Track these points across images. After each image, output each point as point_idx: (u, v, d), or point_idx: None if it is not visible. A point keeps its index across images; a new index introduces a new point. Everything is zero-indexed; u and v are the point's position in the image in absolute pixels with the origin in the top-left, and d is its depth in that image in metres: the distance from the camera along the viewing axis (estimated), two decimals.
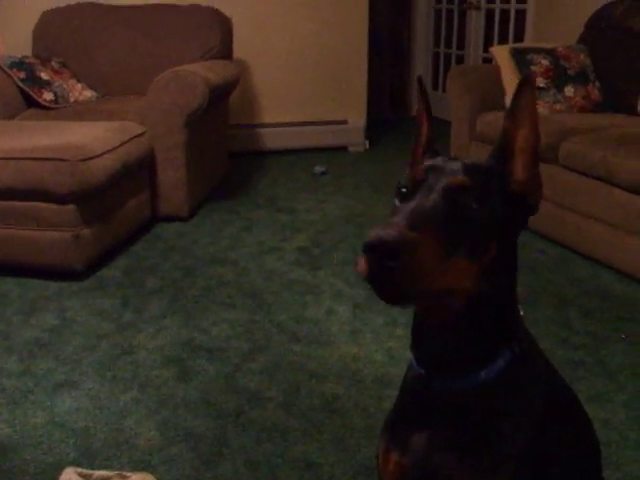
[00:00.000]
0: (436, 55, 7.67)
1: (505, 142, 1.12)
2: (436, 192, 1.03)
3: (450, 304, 1.05)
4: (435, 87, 7.70)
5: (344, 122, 5.90)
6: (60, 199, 3.13)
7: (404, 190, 1.08)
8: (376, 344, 2.65)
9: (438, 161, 1.11)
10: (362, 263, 0.95)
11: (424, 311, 1.11)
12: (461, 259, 1.00)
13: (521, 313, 1.18)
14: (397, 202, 1.08)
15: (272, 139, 5.70)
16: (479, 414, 1.13)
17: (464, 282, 1.02)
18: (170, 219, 4.02)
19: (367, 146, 6.01)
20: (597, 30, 4.44)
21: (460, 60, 7.20)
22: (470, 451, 1.12)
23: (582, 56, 4.26)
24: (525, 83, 1.10)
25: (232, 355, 2.59)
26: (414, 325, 1.17)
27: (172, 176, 3.94)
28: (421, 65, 7.80)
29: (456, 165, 1.08)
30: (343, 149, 5.92)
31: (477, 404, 1.12)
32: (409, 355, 2.37)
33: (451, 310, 1.07)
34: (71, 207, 3.15)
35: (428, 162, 1.11)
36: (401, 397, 1.27)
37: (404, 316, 2.86)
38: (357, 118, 5.95)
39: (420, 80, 1.24)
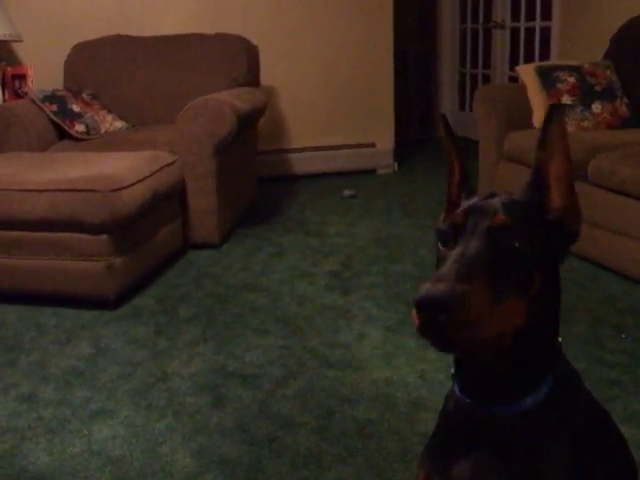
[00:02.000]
0: (462, 75, 7.69)
1: (539, 172, 1.14)
2: (478, 236, 1.04)
3: (500, 342, 1.06)
4: (462, 107, 7.71)
5: (372, 145, 5.92)
6: (92, 229, 3.17)
7: (445, 234, 1.10)
8: (408, 367, 2.65)
9: (476, 201, 1.12)
10: (414, 317, 0.98)
11: (472, 350, 1.10)
12: (511, 299, 1.01)
13: (559, 340, 1.19)
14: (440, 246, 1.10)
15: (300, 164, 5.74)
16: (524, 442, 1.13)
17: (515, 320, 1.03)
18: (201, 246, 4.06)
19: (396, 168, 6.03)
20: (623, 45, 4.43)
21: (486, 79, 7.21)
22: (518, 478, 1.12)
23: (608, 72, 4.25)
24: (554, 113, 1.11)
25: (265, 381, 2.60)
26: (457, 356, 1.17)
27: (203, 203, 3.98)
28: (448, 85, 7.82)
29: (494, 204, 1.09)
30: (372, 172, 5.94)
31: (523, 431, 1.12)
32: (442, 378, 2.38)
33: (500, 347, 1.07)
34: (103, 237, 3.19)
35: (466, 203, 1.13)
36: (442, 424, 1.26)
37: None
38: (385, 140, 5.98)
39: (445, 119, 1.25)
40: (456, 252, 1.03)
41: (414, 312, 0.98)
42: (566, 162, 1.12)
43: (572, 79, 4.17)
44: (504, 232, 1.04)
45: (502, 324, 1.01)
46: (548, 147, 1.12)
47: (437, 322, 0.95)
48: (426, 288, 0.96)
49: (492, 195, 1.14)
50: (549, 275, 1.10)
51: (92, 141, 4.26)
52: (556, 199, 1.13)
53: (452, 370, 1.20)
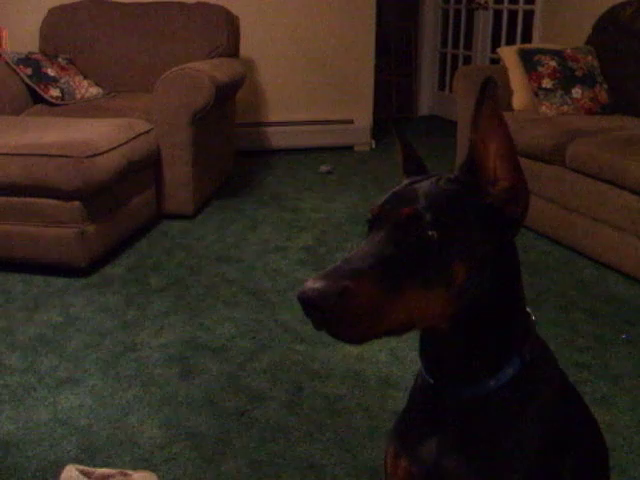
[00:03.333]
0: (443, 55, 7.66)
1: (473, 154, 1.08)
2: (385, 228, 1.03)
3: (432, 326, 1.05)
4: (442, 87, 7.69)
5: (350, 121, 5.89)
6: (65, 196, 3.13)
7: (368, 224, 1.10)
8: (380, 344, 2.64)
9: (399, 189, 1.10)
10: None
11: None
12: (415, 291, 0.99)
13: (532, 318, 1.16)
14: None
15: (278, 138, 5.70)
16: (489, 422, 1.12)
17: (428, 310, 1.01)
18: (175, 217, 4.02)
19: (373, 145, 6.01)
20: (605, 32, 4.42)
21: (468, 60, 7.18)
22: (479, 458, 1.11)
23: (590, 58, 4.24)
24: (486, 89, 1.05)
25: (236, 354, 2.58)
26: (420, 335, 1.16)
27: (178, 174, 3.94)
28: (428, 65, 7.79)
29: (415, 191, 1.06)
30: (349, 148, 5.91)
31: (487, 412, 1.11)
32: (413, 356, 2.38)
33: (439, 329, 1.06)
34: (76, 204, 3.15)
35: (389, 192, 1.11)
36: (410, 403, 1.25)
37: None
38: (363, 117, 5.95)
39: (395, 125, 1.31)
40: (358, 247, 1.03)
41: None
42: (504, 139, 1.06)
43: (553, 63, 4.16)
44: (413, 223, 1.02)
45: (407, 314, 0.99)
46: (482, 126, 1.06)
47: (320, 318, 0.96)
48: (306, 285, 0.97)
49: (430, 177, 1.11)
50: (483, 261, 1.06)
51: (67, 106, 4.19)
52: (501, 179, 1.07)
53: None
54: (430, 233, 1.00)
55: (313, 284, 0.96)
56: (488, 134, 1.06)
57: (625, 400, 2.31)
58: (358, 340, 1.00)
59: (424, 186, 1.07)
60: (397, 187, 1.11)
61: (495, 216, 1.07)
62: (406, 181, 1.13)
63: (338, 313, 0.95)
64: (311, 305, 0.95)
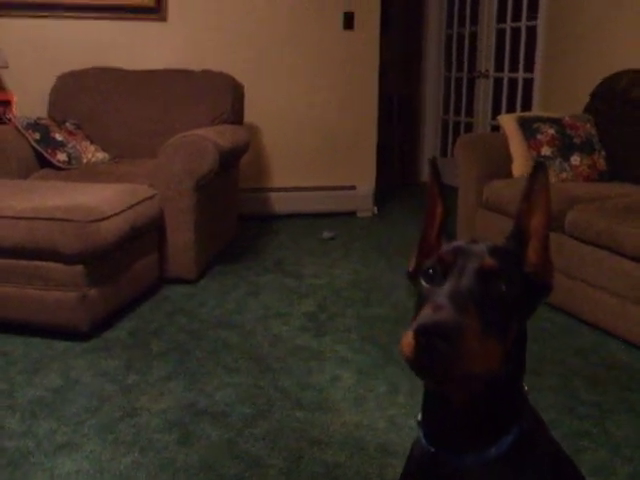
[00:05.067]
0: (445, 122, 7.77)
1: (520, 224, 1.17)
2: (469, 275, 1.06)
3: (473, 386, 1.08)
4: (444, 154, 7.77)
5: (353, 188, 5.95)
6: (68, 259, 3.15)
7: (431, 272, 1.11)
8: (379, 412, 2.64)
9: (462, 244, 1.14)
10: (409, 344, 0.99)
11: (444, 393, 1.11)
12: (494, 341, 1.03)
13: (525, 388, 1.20)
14: (424, 283, 1.11)
15: (281, 203, 5.75)
16: None
17: (493, 364, 1.04)
18: (178, 281, 4.04)
19: (375, 212, 6.06)
20: (602, 100, 4.50)
21: (469, 127, 7.28)
22: None
23: (588, 125, 4.31)
24: (539, 169, 1.15)
25: (235, 420, 2.58)
26: (426, 403, 1.18)
27: (181, 239, 3.98)
28: (430, 132, 7.89)
29: (481, 248, 1.12)
30: (352, 214, 5.96)
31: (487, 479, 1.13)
32: (412, 424, 2.37)
33: (471, 392, 1.09)
34: (79, 268, 3.17)
35: (453, 244, 1.15)
36: (408, 472, 1.26)
37: (407, 383, 2.85)
38: (366, 184, 6.01)
39: (434, 162, 1.26)
40: (447, 287, 1.04)
41: (409, 339, 0.98)
42: (545, 217, 1.16)
43: (552, 131, 4.22)
44: (492, 275, 1.07)
45: (486, 363, 1.01)
46: (531, 200, 1.15)
47: (436, 351, 0.95)
48: (428, 314, 0.98)
49: (474, 241, 1.16)
50: (522, 326, 1.12)
51: (73, 171, 4.25)
52: (532, 253, 1.16)
53: (419, 417, 1.20)
54: (503, 288, 1.06)
55: (439, 313, 0.97)
56: (535, 206, 1.15)
57: (625, 469, 2.30)
58: (451, 379, 1.01)
59: (485, 246, 1.12)
60: (458, 242, 1.15)
61: (531, 284, 1.13)
62: (457, 242, 1.16)
63: (458, 345, 0.96)
64: (438, 332, 0.95)
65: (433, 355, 0.96)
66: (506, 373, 1.09)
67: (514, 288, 1.08)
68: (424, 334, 0.96)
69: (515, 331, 1.08)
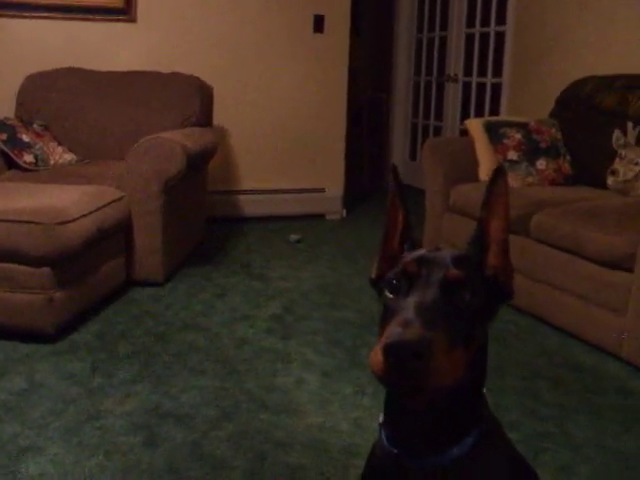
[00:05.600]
0: (414, 126, 7.81)
1: (481, 231, 1.20)
2: (434, 286, 1.08)
3: (438, 395, 1.09)
4: (413, 157, 7.82)
5: (322, 190, 5.97)
6: (34, 262, 3.14)
7: (395, 282, 1.13)
8: (343, 414, 2.66)
9: (425, 253, 1.16)
10: (378, 362, 1.00)
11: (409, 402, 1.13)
12: (460, 351, 1.04)
13: (484, 391, 1.22)
14: (389, 294, 1.13)
15: (250, 206, 5.76)
16: None
17: (459, 374, 1.05)
18: (145, 284, 4.03)
19: (344, 215, 6.08)
20: (567, 106, 4.56)
21: (438, 131, 7.33)
22: None
23: (553, 130, 4.36)
24: (498, 175, 1.18)
25: (200, 422, 2.58)
26: (388, 405, 1.21)
27: (148, 241, 3.97)
28: (399, 135, 7.92)
29: (445, 257, 1.13)
30: (320, 217, 5.98)
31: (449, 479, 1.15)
32: (376, 426, 2.38)
33: (436, 399, 1.10)
34: (45, 270, 3.16)
35: (416, 254, 1.16)
36: (368, 473, 1.28)
37: (371, 386, 2.86)
38: (335, 187, 6.03)
39: (395, 170, 1.28)
40: (414, 300, 1.06)
41: (378, 357, 1.00)
42: (504, 222, 1.19)
43: (518, 135, 4.27)
44: (457, 285, 1.09)
45: (454, 375, 1.03)
46: (491, 206, 1.18)
47: (406, 369, 0.97)
48: (397, 333, 0.98)
49: (438, 248, 1.18)
50: (485, 330, 1.15)
51: (40, 172, 4.23)
52: (492, 258, 1.19)
53: (380, 419, 1.22)
54: (467, 297, 1.08)
55: (409, 331, 0.98)
56: (494, 211, 1.18)
57: (586, 469, 2.33)
58: (423, 393, 1.04)
59: (448, 254, 1.14)
60: (420, 251, 1.17)
61: (493, 289, 1.16)
62: (420, 251, 1.18)
63: (429, 362, 0.97)
64: (407, 351, 0.96)
65: (403, 372, 0.98)
66: (469, 379, 1.11)
67: (478, 296, 1.10)
68: (394, 354, 0.97)
69: (479, 338, 1.11)
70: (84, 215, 3.34)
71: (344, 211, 6.09)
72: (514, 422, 2.61)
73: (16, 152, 4.27)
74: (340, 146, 6.05)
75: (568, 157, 4.30)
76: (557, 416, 2.68)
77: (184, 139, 4.08)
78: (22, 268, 3.16)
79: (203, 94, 4.89)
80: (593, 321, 3.30)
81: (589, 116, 4.35)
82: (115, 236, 3.77)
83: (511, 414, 2.68)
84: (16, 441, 2.42)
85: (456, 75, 6.96)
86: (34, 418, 2.58)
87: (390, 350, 0.97)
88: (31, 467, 2.28)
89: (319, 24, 5.79)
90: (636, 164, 3.88)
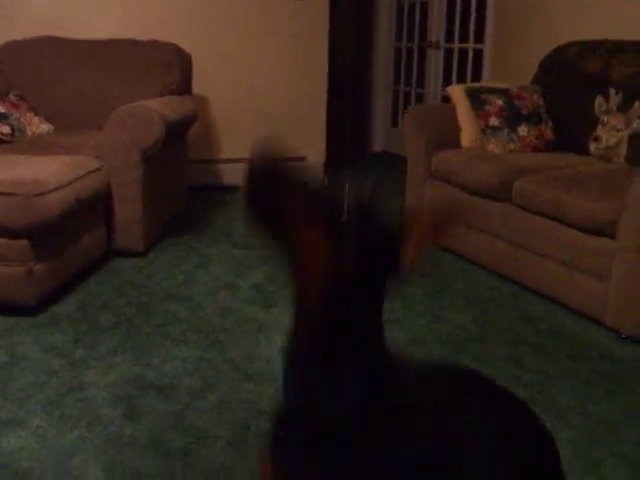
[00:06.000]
0: (396, 93, 7.76)
1: (403, 229, 1.20)
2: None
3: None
4: (395, 124, 7.78)
5: (303, 159, 5.92)
6: (13, 234, 3.10)
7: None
8: None
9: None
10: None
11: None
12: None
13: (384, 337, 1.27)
14: None
15: (231, 174, 5.70)
16: (350, 435, 1.19)
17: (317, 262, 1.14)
18: (126, 254, 4.00)
19: (326, 182, 6.03)
20: (550, 71, 4.53)
21: (420, 98, 7.29)
22: (349, 466, 1.19)
23: (535, 96, 4.34)
24: (455, 212, 1.26)
25: (182, 393, 2.57)
26: (288, 355, 1.25)
27: (128, 211, 3.93)
28: (381, 102, 7.88)
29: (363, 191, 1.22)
30: None
31: (346, 425, 1.18)
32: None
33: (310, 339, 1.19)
34: (24, 242, 3.12)
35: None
36: (279, 418, 1.31)
37: None
38: (316, 155, 5.98)
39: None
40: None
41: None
42: (425, 241, 1.19)
43: (500, 102, 4.25)
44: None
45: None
46: (434, 226, 1.20)
47: None
48: None
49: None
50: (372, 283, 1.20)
51: (17, 143, 4.16)
52: (405, 255, 1.19)
53: (281, 371, 1.26)
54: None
55: None
56: (429, 229, 1.19)
57: (569, 434, 2.34)
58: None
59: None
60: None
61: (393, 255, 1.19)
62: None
63: None
64: None
65: None
66: (351, 318, 1.18)
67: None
68: None
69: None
70: (62, 186, 3.29)
71: (326, 179, 6.04)
72: None
73: None
74: (321, 114, 6.01)
75: (550, 123, 4.28)
76: (541, 383, 2.69)
77: (162, 107, 4.03)
78: (1, 240, 3.13)
79: (182, 62, 4.83)
80: (576, 288, 3.30)
81: (572, 81, 4.32)
82: (94, 207, 3.74)
83: (496, 381, 2.67)
84: None
85: (438, 41, 6.91)
86: (15, 391, 2.57)
87: None
88: (12, 440, 2.27)
89: None
90: (618, 130, 3.87)
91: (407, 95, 7.55)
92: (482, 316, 3.31)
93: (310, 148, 5.94)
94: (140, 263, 3.93)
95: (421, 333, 3.13)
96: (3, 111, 4.29)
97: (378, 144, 7.96)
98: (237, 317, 3.26)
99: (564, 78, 4.40)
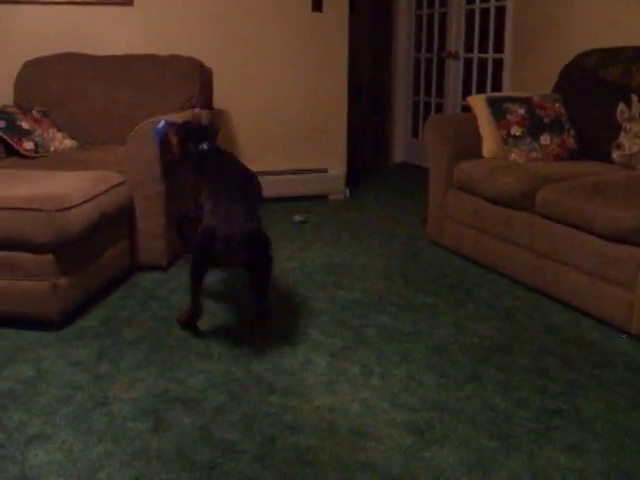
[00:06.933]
0: (416, 103, 7.77)
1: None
2: None
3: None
4: (415, 135, 7.78)
5: (324, 170, 5.94)
6: (38, 249, 3.13)
7: None
8: (352, 394, 2.64)
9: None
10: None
11: None
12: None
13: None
14: None
15: None
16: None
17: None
18: (149, 268, 4.02)
19: (347, 194, 6.05)
20: (571, 79, 4.51)
21: (440, 108, 7.28)
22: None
23: (557, 105, 4.32)
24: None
25: (208, 406, 2.57)
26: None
27: (151, 225, 3.95)
28: (401, 113, 7.88)
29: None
30: (323, 197, 5.95)
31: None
32: (385, 406, 2.39)
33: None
34: (49, 257, 3.15)
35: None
36: (197, 259, 3.05)
37: (379, 366, 2.86)
38: (337, 166, 6.00)
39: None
40: None
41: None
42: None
43: (521, 111, 4.23)
44: None
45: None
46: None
47: None
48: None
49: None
50: None
51: (41, 159, 4.20)
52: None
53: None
54: None
55: None
56: None
57: (596, 446, 2.32)
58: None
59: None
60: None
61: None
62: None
63: None
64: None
65: None
66: None
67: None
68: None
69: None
70: (86, 201, 3.32)
71: (347, 191, 6.06)
72: (524, 399, 2.60)
73: (15, 139, 4.25)
74: (342, 126, 6.02)
75: (572, 132, 4.26)
76: (567, 393, 2.67)
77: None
78: (26, 256, 3.15)
79: (203, 76, 4.86)
80: (601, 297, 3.27)
81: (593, 89, 4.30)
82: (118, 221, 3.76)
83: (521, 391, 2.66)
84: (24, 429, 2.42)
85: (457, 51, 6.91)
86: (41, 406, 2.58)
87: None
88: (39, 455, 2.28)
89: (318, 3, 5.75)
90: None
91: (427, 105, 7.54)
92: (506, 326, 3.29)
93: (331, 160, 5.96)
94: (163, 277, 3.95)
95: (445, 343, 3.12)
96: (27, 127, 4.33)
97: (399, 155, 7.96)
98: (261, 330, 3.26)
99: (585, 86, 4.38)
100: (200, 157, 3.48)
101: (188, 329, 3.22)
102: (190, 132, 3.60)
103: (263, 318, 3.25)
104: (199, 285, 3.06)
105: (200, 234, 2.93)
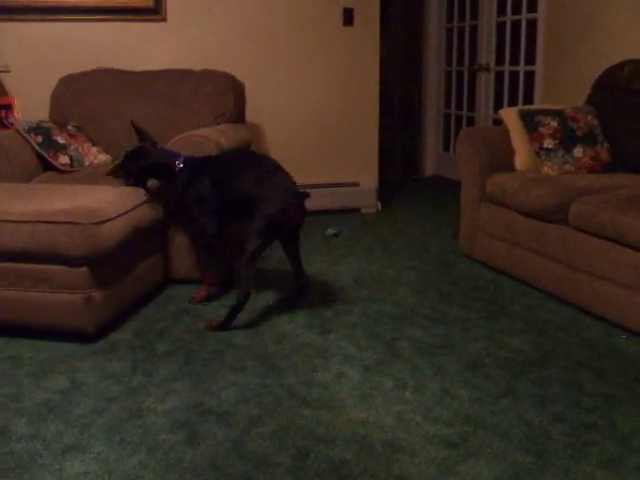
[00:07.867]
0: (447, 116, 7.76)
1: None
2: None
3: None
4: (446, 148, 7.77)
5: (356, 184, 5.95)
6: (72, 262, 3.16)
7: None
8: (385, 408, 2.64)
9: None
10: None
11: None
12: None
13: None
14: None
15: None
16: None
17: None
18: (182, 281, 4.04)
19: (379, 207, 6.05)
20: (604, 91, 4.48)
21: (471, 121, 7.27)
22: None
23: (590, 117, 4.29)
24: None
25: (241, 419, 2.58)
26: None
27: (185, 239, 3.98)
28: (432, 126, 7.88)
29: None
30: (355, 211, 5.96)
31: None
32: (419, 419, 2.38)
33: None
34: (83, 270, 3.18)
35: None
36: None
37: (413, 380, 2.85)
38: (369, 180, 6.00)
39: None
40: None
41: None
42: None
43: (554, 123, 4.21)
44: None
45: None
46: None
47: None
48: None
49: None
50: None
51: (76, 173, 4.25)
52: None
53: None
54: None
55: None
56: None
57: (634, 461, 2.29)
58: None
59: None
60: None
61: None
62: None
63: None
64: None
65: None
66: None
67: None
68: None
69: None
70: (120, 215, 3.35)
71: (379, 204, 6.06)
72: (559, 414, 2.58)
73: (51, 154, 4.30)
74: (373, 139, 6.02)
75: (606, 144, 4.23)
76: (603, 407, 2.64)
77: (218, 136, 4.08)
78: (61, 268, 3.19)
79: (236, 91, 4.89)
80: (636, 309, 3.24)
81: (627, 101, 4.27)
82: (152, 235, 3.79)
83: (556, 406, 2.64)
84: (60, 440, 2.44)
85: (488, 64, 6.90)
86: (77, 417, 2.60)
87: None
88: (75, 465, 2.29)
89: (349, 17, 5.77)
90: None
91: (458, 119, 7.54)
92: (540, 340, 3.27)
93: (363, 174, 5.96)
94: (196, 290, 3.96)
95: (479, 357, 3.10)
96: (62, 142, 4.38)
97: (430, 168, 7.95)
98: (294, 343, 3.26)
99: (618, 97, 4.35)
100: (192, 169, 3.70)
101: (223, 329, 3.42)
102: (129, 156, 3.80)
103: (304, 287, 3.77)
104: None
105: (268, 214, 3.45)
